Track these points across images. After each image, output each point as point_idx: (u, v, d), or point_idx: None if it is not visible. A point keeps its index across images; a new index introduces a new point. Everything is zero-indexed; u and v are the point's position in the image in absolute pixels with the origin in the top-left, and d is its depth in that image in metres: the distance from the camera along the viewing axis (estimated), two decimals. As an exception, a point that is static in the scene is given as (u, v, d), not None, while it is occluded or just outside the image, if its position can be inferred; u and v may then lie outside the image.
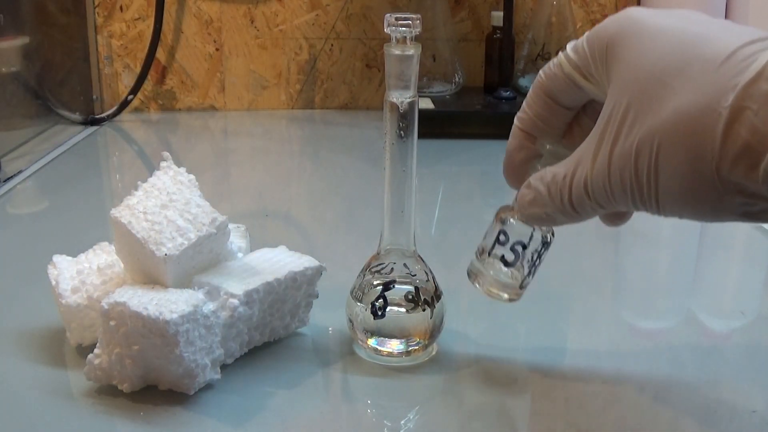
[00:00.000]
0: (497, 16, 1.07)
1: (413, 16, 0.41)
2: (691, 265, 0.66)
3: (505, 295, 0.43)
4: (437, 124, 1.00)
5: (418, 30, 0.41)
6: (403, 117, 0.43)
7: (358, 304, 0.45)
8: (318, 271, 0.48)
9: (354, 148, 1.00)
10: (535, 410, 0.43)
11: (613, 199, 0.35)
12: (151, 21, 1.08)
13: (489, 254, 0.43)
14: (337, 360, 0.47)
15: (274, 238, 0.56)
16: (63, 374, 0.44)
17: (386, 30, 0.42)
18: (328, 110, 1.17)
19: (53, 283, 0.46)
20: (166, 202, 0.45)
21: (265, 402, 0.42)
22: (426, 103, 1.03)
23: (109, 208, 0.47)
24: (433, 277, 0.46)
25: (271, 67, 1.15)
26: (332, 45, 1.15)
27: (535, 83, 0.40)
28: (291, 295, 0.47)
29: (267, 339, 0.47)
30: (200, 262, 0.45)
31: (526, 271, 0.43)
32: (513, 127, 0.41)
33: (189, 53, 1.13)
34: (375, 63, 1.16)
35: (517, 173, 0.42)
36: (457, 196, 0.83)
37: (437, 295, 0.46)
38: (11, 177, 0.82)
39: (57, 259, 0.47)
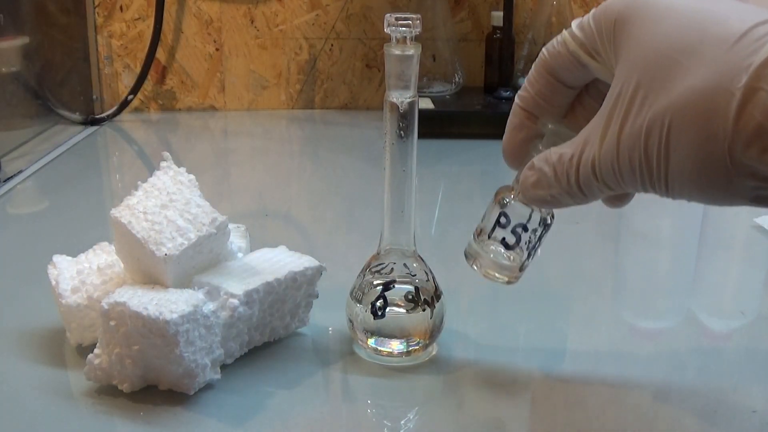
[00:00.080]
0: (497, 16, 1.07)
1: (413, 16, 0.41)
2: (691, 265, 0.66)
3: (504, 278, 0.42)
4: (437, 124, 1.00)
5: (418, 30, 0.41)
6: (403, 117, 0.43)
7: (358, 304, 0.45)
8: (318, 271, 0.48)
9: (354, 148, 1.00)
10: (535, 410, 0.43)
11: (621, 180, 0.34)
12: (151, 21, 1.08)
13: (489, 237, 0.42)
14: (337, 360, 0.47)
15: (274, 238, 0.56)
16: (63, 374, 0.44)
17: (386, 30, 0.42)
18: (328, 110, 1.17)
19: (53, 283, 0.46)
20: (166, 202, 0.45)
21: (265, 402, 0.42)
22: (426, 103, 1.03)
23: (109, 208, 0.47)
24: (433, 277, 0.46)
25: (271, 67, 1.15)
26: (332, 45, 1.15)
27: (538, 61, 0.39)
28: (291, 295, 0.47)
29: (267, 339, 0.47)
30: (200, 262, 0.45)
31: (526, 253, 0.42)
32: (513, 105, 0.41)
33: (189, 53, 1.13)
34: (375, 63, 1.16)
35: (517, 153, 0.41)
36: (457, 196, 0.83)
37: (437, 295, 0.46)
38: (11, 177, 0.82)
39: (57, 259, 0.47)
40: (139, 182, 0.46)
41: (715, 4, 0.33)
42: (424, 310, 0.45)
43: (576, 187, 0.36)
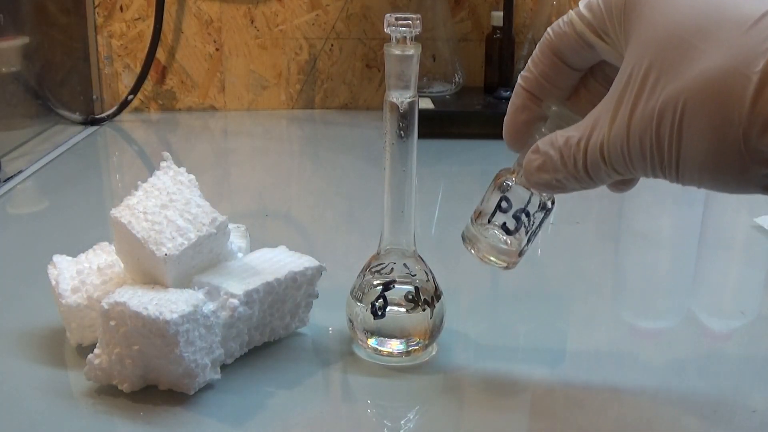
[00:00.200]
0: (497, 16, 1.07)
1: (413, 16, 0.41)
2: (691, 265, 0.66)
3: (503, 263, 0.42)
4: (437, 124, 1.00)
5: (418, 30, 0.41)
6: (403, 117, 0.43)
7: (358, 304, 0.45)
8: (318, 271, 0.48)
9: (354, 148, 1.00)
10: (535, 410, 0.43)
11: (630, 165, 0.34)
12: (151, 21, 1.08)
13: (489, 221, 0.41)
14: (337, 360, 0.47)
15: (274, 238, 0.56)
16: (63, 374, 0.44)
17: (386, 30, 0.42)
18: (328, 110, 1.17)
19: (53, 283, 0.46)
20: (166, 202, 0.45)
21: (265, 402, 0.42)
22: (426, 103, 1.03)
23: (109, 208, 0.47)
24: (433, 277, 0.46)
25: (271, 67, 1.15)
26: (332, 45, 1.15)
27: (543, 41, 0.38)
28: (291, 295, 0.47)
29: (267, 339, 0.47)
30: (200, 262, 0.45)
31: (526, 239, 0.41)
32: (516, 86, 0.40)
33: (189, 53, 1.13)
34: (375, 63, 1.16)
35: (518, 135, 0.40)
36: (457, 196, 0.83)
37: (437, 295, 0.46)
38: (11, 177, 0.82)
39: (57, 259, 0.47)
40: (139, 182, 0.46)
41: None
42: (424, 310, 0.45)
43: (583, 171, 0.36)
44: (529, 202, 0.40)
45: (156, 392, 0.42)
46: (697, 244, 0.70)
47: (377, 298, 0.45)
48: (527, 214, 0.40)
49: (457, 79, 1.11)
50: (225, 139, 1.07)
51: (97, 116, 1.08)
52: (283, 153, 1.01)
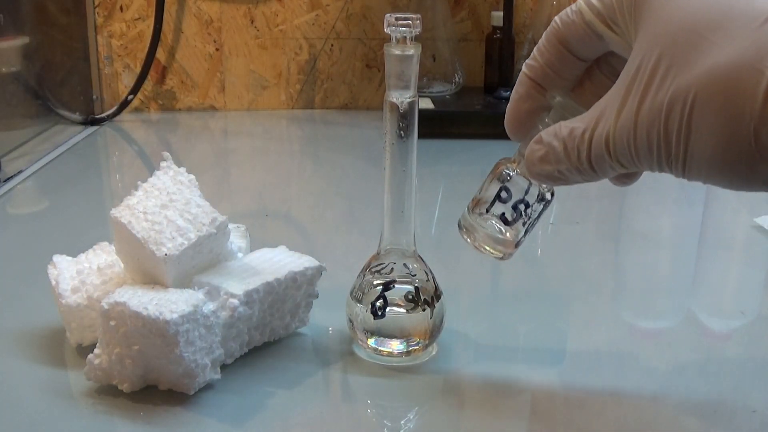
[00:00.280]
0: (497, 16, 1.07)
1: (413, 16, 0.41)
2: (691, 265, 0.66)
3: (499, 253, 0.41)
4: (437, 124, 1.00)
5: (418, 30, 0.41)
6: (403, 117, 0.43)
7: (358, 304, 0.45)
8: (318, 271, 0.48)
9: (354, 148, 1.00)
10: (535, 410, 0.43)
11: (636, 158, 0.33)
12: (151, 21, 1.08)
13: (487, 211, 0.41)
14: (337, 360, 0.47)
15: (274, 238, 0.56)
16: (63, 374, 0.44)
17: (386, 30, 0.42)
18: (328, 110, 1.17)
19: (53, 283, 0.46)
20: (166, 202, 0.45)
21: (265, 402, 0.42)
22: (426, 103, 1.03)
23: (109, 208, 0.47)
24: (433, 277, 0.46)
25: (271, 67, 1.15)
26: (332, 45, 1.15)
27: (549, 30, 0.37)
28: (291, 295, 0.47)
29: (267, 339, 0.47)
30: (200, 262, 0.45)
31: (523, 230, 0.41)
32: (520, 74, 0.39)
33: (189, 53, 1.13)
34: (375, 63, 1.16)
35: (520, 124, 0.40)
36: (457, 196, 0.83)
37: (437, 295, 0.46)
38: (11, 177, 0.82)
39: (57, 259, 0.47)
40: (139, 182, 0.46)
41: None
42: (424, 310, 0.45)
43: (587, 163, 0.35)
44: (527, 192, 0.40)
45: (156, 392, 0.42)
46: (697, 244, 0.70)
47: (377, 298, 0.45)
48: (526, 205, 0.40)
49: (457, 79, 1.11)
50: (225, 139, 1.07)
51: (97, 116, 1.08)
52: (283, 153, 1.01)
